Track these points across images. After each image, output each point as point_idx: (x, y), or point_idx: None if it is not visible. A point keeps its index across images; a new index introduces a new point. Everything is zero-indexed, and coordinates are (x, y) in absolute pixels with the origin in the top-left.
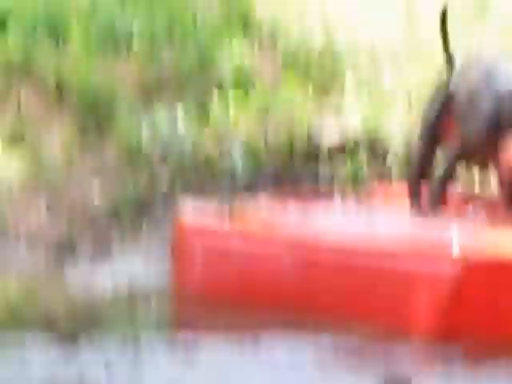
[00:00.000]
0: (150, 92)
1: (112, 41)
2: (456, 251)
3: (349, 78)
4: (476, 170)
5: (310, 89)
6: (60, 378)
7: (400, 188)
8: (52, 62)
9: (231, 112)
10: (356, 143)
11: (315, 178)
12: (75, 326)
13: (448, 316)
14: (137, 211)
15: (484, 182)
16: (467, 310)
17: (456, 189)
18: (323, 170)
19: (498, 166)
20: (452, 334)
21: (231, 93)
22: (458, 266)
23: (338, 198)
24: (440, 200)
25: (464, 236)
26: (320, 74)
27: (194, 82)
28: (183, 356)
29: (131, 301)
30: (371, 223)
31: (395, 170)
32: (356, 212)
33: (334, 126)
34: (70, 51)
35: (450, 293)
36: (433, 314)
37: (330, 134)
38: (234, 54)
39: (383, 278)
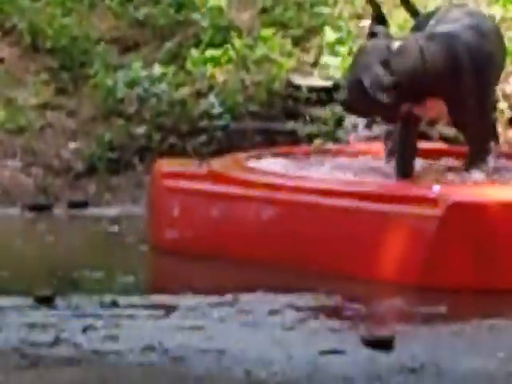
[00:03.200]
0: (127, 48)
1: None
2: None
3: (328, 34)
4: None
5: (289, 45)
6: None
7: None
8: (26, 17)
9: (209, 68)
10: (336, 86)
11: (294, 132)
12: (52, 288)
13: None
14: (114, 169)
15: None
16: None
17: None
18: (303, 121)
19: None
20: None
21: (209, 50)
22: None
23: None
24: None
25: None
26: (298, 30)
27: (171, 38)
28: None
29: (108, 258)
30: (351, 170)
31: None
32: (335, 160)
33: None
34: (44, 4)
35: (431, 235)
36: (412, 259)
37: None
38: (212, 10)
39: (363, 220)
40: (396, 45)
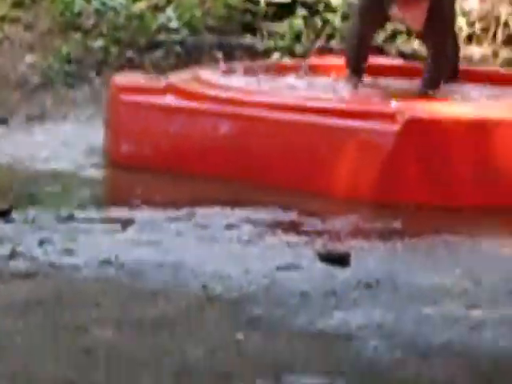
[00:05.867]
0: None
1: None
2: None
3: None
4: None
5: None
6: None
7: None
8: None
9: None
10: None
11: (252, 46)
12: (9, 202)
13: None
14: (71, 82)
15: None
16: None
17: None
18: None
19: None
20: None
21: None
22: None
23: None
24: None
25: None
26: None
27: None
28: (119, 234)
29: (65, 172)
30: (310, 86)
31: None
32: (294, 75)
33: None
34: None
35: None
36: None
37: None
38: None
39: (321, 135)
40: None
